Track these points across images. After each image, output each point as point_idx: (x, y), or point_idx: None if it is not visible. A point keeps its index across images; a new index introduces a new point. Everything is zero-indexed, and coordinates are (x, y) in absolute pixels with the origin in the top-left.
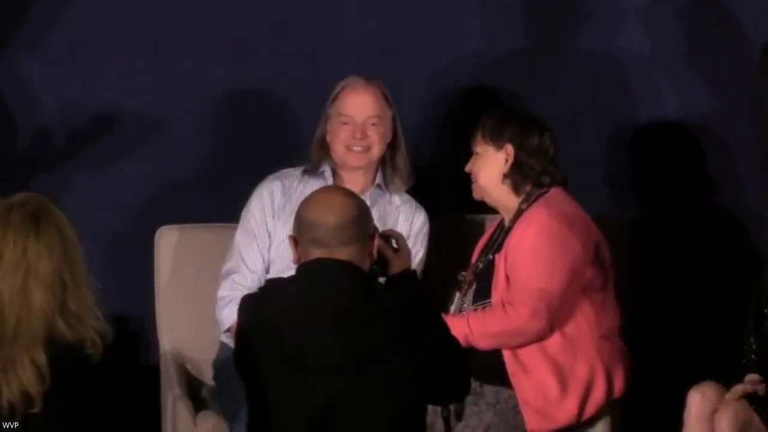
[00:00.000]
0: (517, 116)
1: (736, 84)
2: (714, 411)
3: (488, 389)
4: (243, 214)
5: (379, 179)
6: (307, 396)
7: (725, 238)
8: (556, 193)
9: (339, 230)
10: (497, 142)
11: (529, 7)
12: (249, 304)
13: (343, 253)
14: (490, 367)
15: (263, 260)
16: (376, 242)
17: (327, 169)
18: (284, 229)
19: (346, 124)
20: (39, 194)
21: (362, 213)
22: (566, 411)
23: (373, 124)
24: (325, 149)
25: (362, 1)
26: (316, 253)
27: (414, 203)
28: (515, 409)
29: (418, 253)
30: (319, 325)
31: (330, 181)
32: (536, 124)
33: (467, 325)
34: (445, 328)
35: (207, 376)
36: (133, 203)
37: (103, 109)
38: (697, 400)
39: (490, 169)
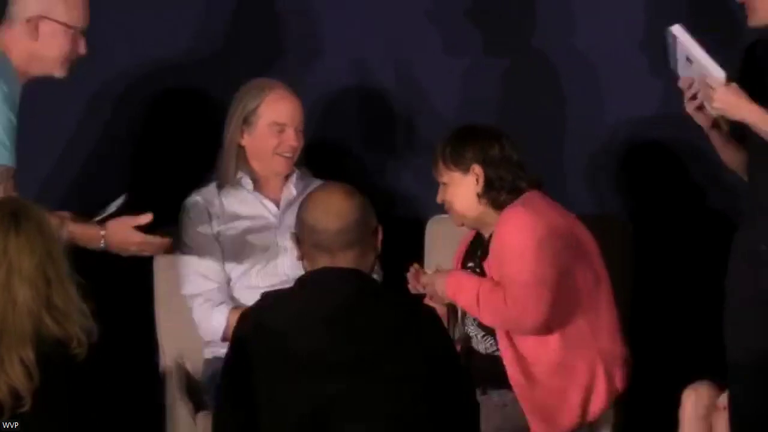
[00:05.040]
0: (471, 133)
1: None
2: (708, 410)
3: (494, 393)
4: (181, 237)
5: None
6: (306, 398)
7: (723, 238)
8: (531, 194)
9: (341, 235)
10: (461, 165)
11: (524, 8)
12: (250, 312)
13: (347, 255)
14: (491, 372)
15: (222, 268)
16: (380, 235)
17: (245, 178)
18: (227, 234)
19: (282, 132)
20: (19, 195)
21: (363, 212)
22: (569, 414)
23: (300, 130)
24: (241, 157)
25: (362, 2)
26: (319, 256)
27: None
28: (523, 412)
29: None
30: (319, 327)
31: (250, 189)
32: (492, 135)
33: (477, 292)
34: (452, 344)
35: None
36: (133, 203)
37: (102, 109)
38: (692, 400)
39: (463, 194)
